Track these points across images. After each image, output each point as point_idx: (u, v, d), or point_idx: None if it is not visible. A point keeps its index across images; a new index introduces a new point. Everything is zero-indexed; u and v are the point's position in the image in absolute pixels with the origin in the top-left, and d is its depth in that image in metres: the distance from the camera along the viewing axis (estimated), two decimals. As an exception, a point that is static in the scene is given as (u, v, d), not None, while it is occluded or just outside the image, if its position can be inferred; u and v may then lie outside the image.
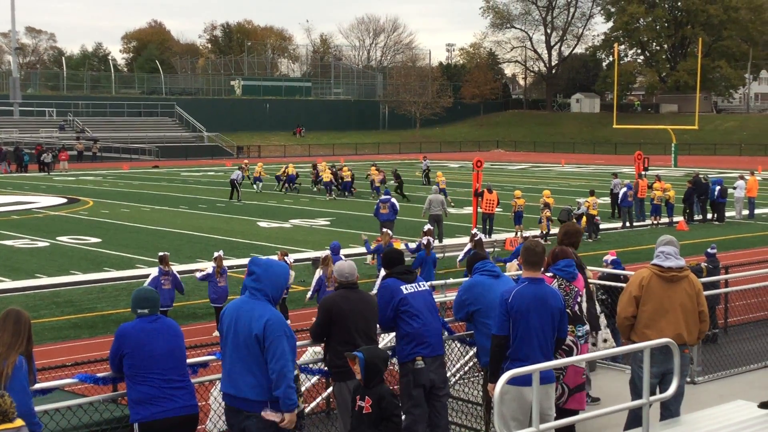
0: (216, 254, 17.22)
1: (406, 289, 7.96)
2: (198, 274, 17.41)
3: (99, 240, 27.96)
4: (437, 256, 20.40)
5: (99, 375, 6.75)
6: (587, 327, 8.44)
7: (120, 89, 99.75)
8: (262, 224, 32.03)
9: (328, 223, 32.48)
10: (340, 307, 7.57)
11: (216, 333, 15.78)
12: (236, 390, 6.49)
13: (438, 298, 10.22)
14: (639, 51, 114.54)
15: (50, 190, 45.91)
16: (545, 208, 28.26)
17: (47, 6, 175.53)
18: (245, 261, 20.84)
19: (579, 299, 8.47)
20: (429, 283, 13.35)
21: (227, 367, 6.58)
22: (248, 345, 6.42)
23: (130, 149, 74.70)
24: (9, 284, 21.12)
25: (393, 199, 27.07)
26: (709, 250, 15.76)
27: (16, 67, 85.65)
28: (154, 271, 17.09)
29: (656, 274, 7.87)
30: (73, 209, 37.00)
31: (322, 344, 7.85)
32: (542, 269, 7.72)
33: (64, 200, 40.67)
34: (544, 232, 27.56)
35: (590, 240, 27.91)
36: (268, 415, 6.35)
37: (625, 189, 31.85)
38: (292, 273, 16.30)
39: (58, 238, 28.25)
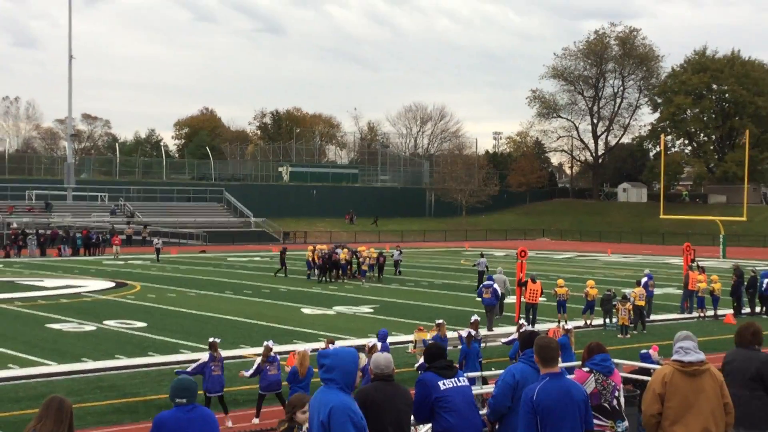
0: (265, 344, 16.93)
1: (444, 384, 8.01)
2: (246, 373, 16.62)
3: (144, 324, 28.28)
4: (481, 346, 20.34)
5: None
6: (626, 423, 8.40)
7: (171, 174, 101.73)
8: (306, 311, 32.17)
9: (372, 310, 32.53)
10: (373, 399, 7.63)
11: (255, 420, 15.89)
12: None
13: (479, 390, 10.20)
14: (686, 141, 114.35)
15: (99, 273, 46.61)
16: (625, 300, 27.65)
17: (103, 94, 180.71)
18: (288, 348, 20.96)
19: (617, 393, 8.45)
20: (479, 374, 13.34)
21: None
22: None
23: (178, 234, 75.79)
24: (55, 368, 21.37)
25: (495, 285, 28.32)
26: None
27: (71, 153, 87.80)
28: (204, 357, 17.14)
29: (678, 370, 7.86)
30: (120, 293, 37.51)
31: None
32: (559, 364, 7.68)
33: (113, 284, 41.27)
34: (625, 324, 27.18)
35: (635, 332, 27.63)
36: None
37: (645, 279, 30.77)
38: (362, 356, 15.63)
39: (104, 322, 28.61)
